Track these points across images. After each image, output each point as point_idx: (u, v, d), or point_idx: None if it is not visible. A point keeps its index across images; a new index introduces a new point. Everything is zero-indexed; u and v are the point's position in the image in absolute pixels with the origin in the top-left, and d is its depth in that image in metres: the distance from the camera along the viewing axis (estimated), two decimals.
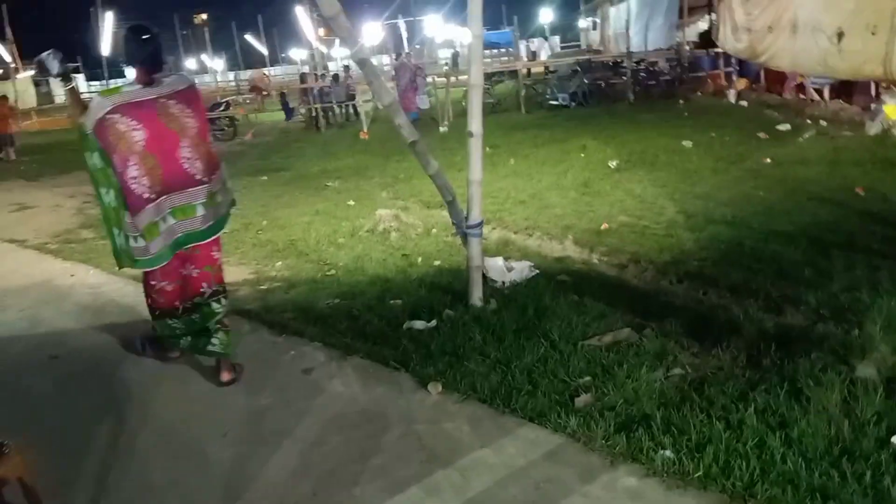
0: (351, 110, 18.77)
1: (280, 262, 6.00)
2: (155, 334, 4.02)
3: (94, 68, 47.42)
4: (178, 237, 3.57)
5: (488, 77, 17.61)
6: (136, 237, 3.51)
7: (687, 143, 9.63)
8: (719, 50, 16.02)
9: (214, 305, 3.77)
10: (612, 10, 27.71)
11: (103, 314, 4.99)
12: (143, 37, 3.50)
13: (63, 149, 18.21)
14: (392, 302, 4.68)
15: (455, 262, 5.46)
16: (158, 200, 3.47)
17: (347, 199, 8.53)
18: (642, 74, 16.66)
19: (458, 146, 12.21)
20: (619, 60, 17.32)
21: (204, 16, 64.54)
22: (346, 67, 20.44)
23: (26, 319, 5.07)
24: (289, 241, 6.66)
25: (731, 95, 14.78)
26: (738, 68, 15.89)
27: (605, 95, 16.75)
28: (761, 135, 9.92)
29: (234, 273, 5.78)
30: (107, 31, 24.14)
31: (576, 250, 5.69)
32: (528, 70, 18.48)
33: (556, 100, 16.42)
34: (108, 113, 3.36)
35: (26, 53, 35.12)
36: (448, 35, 38.47)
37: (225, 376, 3.75)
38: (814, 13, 11.22)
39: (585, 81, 16.27)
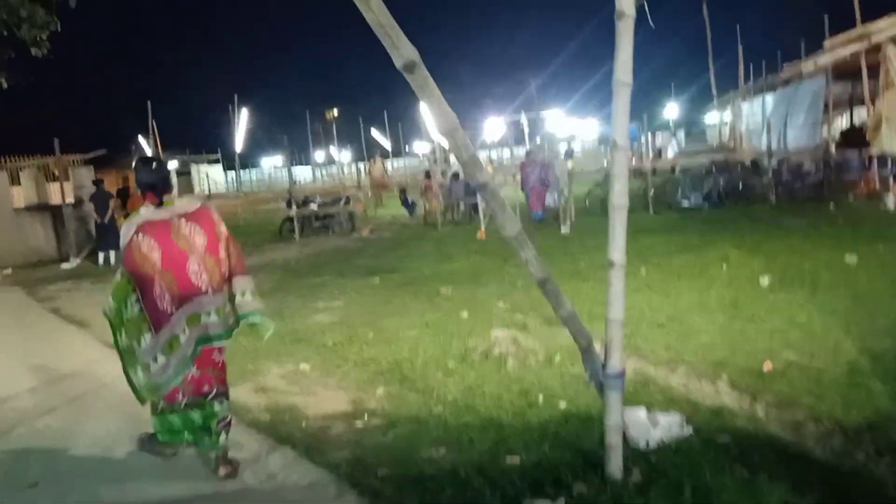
0: (470, 208, 18.42)
1: (382, 389, 5.31)
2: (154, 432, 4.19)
3: (231, 160, 50.80)
4: (194, 343, 3.88)
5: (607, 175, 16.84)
6: (156, 357, 3.82)
7: (851, 258, 8.36)
8: (872, 150, 14.55)
9: (216, 407, 4.06)
10: (746, 106, 26.52)
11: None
12: (153, 165, 4.12)
13: None
14: (508, 460, 3.84)
15: (584, 404, 4.57)
16: (178, 313, 3.84)
17: (460, 308, 7.84)
18: (786, 176, 15.36)
19: (580, 251, 11.44)
20: (756, 160, 16.14)
21: (334, 111, 68.26)
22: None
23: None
24: (394, 360, 5.99)
25: (890, 201, 13.24)
26: (894, 170, 14.34)
27: (741, 197, 15.52)
28: None
29: (330, 401, 5.14)
30: (242, 127, 25.45)
31: (734, 397, 4.66)
32: (654, 168, 17.60)
33: (689, 200, 15.36)
34: (134, 233, 3.84)
35: (168, 145, 38.01)
36: (568, 129, 38.38)
37: (222, 471, 3.99)
38: None
39: (721, 181, 15.17)
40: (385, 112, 38.00)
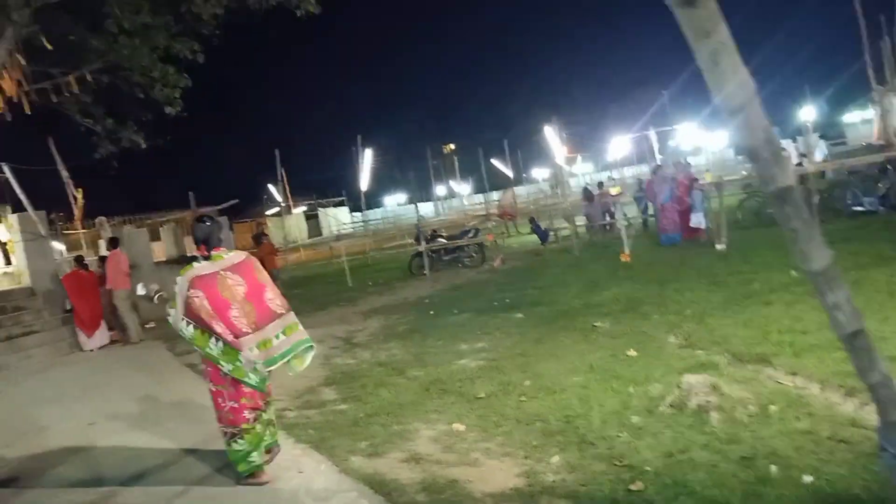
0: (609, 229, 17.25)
1: (557, 457, 4.36)
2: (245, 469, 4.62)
3: (356, 200, 51.81)
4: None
5: None
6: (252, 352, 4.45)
7: None
8: None
9: (270, 413, 4.83)
10: None
11: None
12: (205, 223, 4.74)
13: (322, 281, 18.76)
14: None
15: (837, 478, 3.44)
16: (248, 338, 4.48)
17: (625, 346, 6.77)
18: None
19: (747, 269, 10.09)
20: None
21: (451, 146, 68.68)
22: (601, 184, 19.18)
23: None
24: (563, 416, 5.04)
25: None
26: None
27: None
28: None
29: (498, 473, 4.25)
30: (366, 167, 25.52)
31: None
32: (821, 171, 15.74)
33: (862, 205, 13.50)
34: (189, 289, 4.43)
35: (295, 191, 39.08)
36: (695, 141, 36.19)
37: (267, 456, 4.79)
38: None
39: None
40: (505, 142, 37.40)
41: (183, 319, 4.43)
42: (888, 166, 13.74)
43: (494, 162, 38.89)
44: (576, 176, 45.89)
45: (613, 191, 17.91)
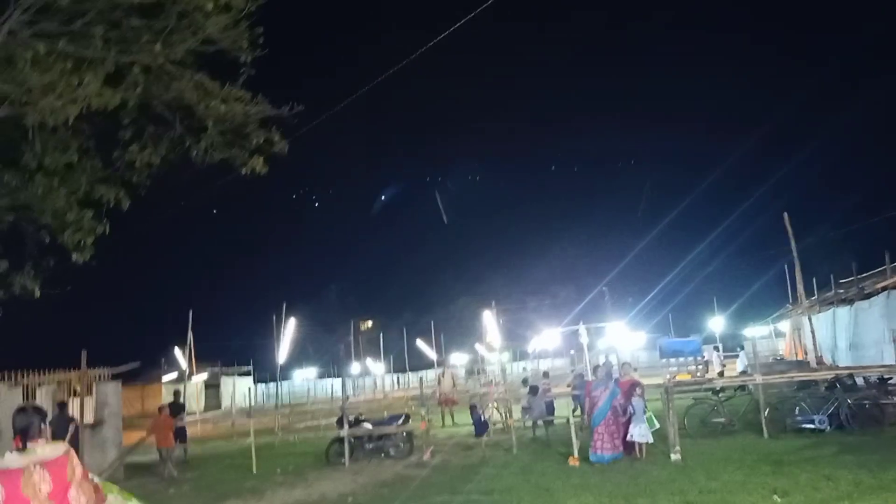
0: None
1: None
2: None
3: (264, 371, 49.04)
4: None
5: (716, 392, 14.63)
6: None
7: None
8: None
9: None
10: (819, 318, 24.72)
11: None
12: (24, 413, 4.52)
13: (221, 464, 16.54)
14: None
15: None
16: None
17: None
18: None
19: (717, 487, 9.19)
20: (885, 376, 13.90)
21: (370, 323, 67.70)
22: (546, 373, 18.36)
23: None
24: None
25: None
26: None
27: (871, 419, 13.16)
28: None
29: None
30: (287, 337, 23.97)
31: None
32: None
33: (812, 423, 13.01)
34: None
35: (201, 357, 36.49)
36: (612, 340, 36.50)
37: None
38: None
39: (849, 401, 12.91)
40: (431, 322, 36.66)
41: None
42: (836, 384, 13.49)
43: (419, 342, 37.91)
44: (492, 364, 45.43)
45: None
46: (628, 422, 12.15)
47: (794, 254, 20.27)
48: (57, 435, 13.47)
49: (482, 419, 16.91)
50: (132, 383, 37.41)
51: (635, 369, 13.60)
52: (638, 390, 12.36)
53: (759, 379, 13.42)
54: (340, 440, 14.63)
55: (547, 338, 25.93)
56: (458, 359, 46.32)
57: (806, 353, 28.12)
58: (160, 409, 16.44)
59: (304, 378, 60.35)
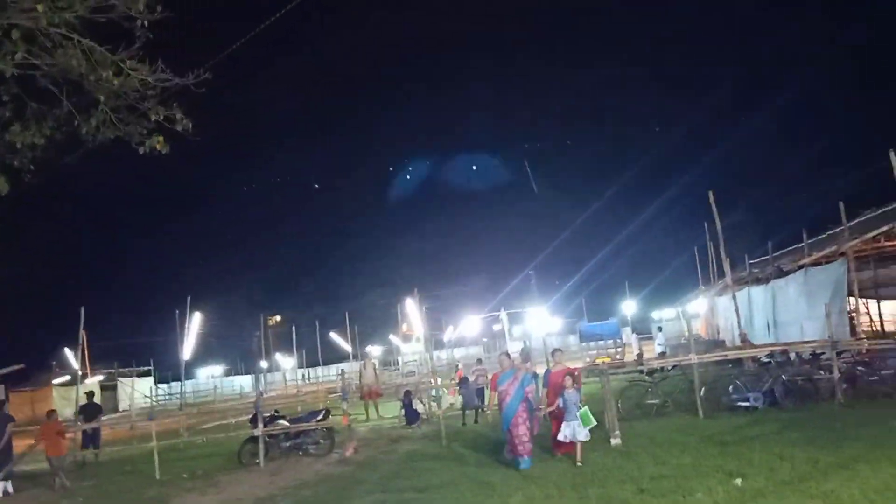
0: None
1: None
2: None
3: (166, 370, 46.27)
4: None
5: (651, 373, 14.27)
6: None
7: None
8: None
9: None
10: (736, 297, 25.12)
11: None
12: None
13: (121, 471, 14.89)
14: None
15: None
16: None
17: None
18: (859, 368, 13.06)
19: (669, 472, 8.68)
20: (818, 352, 13.88)
21: (278, 317, 65.49)
22: (479, 360, 17.62)
23: None
24: None
25: None
26: None
27: (804, 395, 13.06)
28: None
29: None
30: (192, 334, 22.27)
31: None
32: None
33: (747, 400, 12.77)
34: None
35: (97, 357, 33.87)
36: (529, 327, 36.30)
37: None
38: None
39: (783, 377, 12.75)
40: (346, 313, 35.36)
41: None
42: (771, 361, 13.33)
43: (333, 335, 36.54)
44: (402, 356, 44.66)
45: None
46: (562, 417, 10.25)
47: (720, 233, 20.30)
48: None
49: (414, 408, 16.01)
50: (20, 388, 34.25)
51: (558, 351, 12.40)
52: (568, 381, 10.28)
53: (694, 358, 13.09)
54: (254, 439, 13.36)
55: (467, 325, 25.31)
56: (373, 351, 45.21)
57: (719, 332, 28.70)
58: (48, 413, 14.64)
59: (210, 376, 57.54)
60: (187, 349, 22.67)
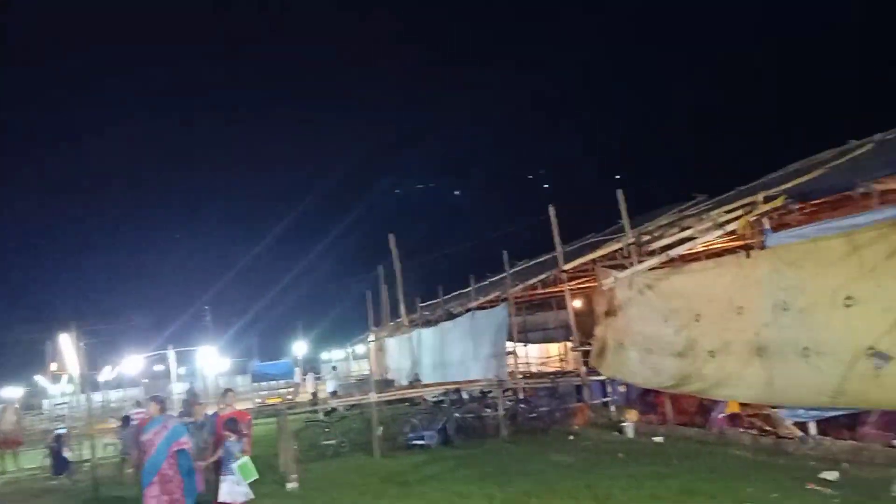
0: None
1: None
2: None
3: None
4: None
5: (328, 413, 13.75)
6: None
7: None
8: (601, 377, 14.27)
9: None
10: (396, 340, 26.10)
11: None
12: None
13: None
14: None
15: None
16: None
17: None
18: (521, 406, 14.03)
19: None
20: (484, 390, 14.63)
21: None
22: (139, 402, 15.65)
23: None
24: None
25: (629, 429, 12.56)
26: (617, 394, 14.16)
27: (473, 432, 13.71)
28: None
29: None
30: None
31: None
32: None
33: (422, 439, 12.95)
34: None
35: None
36: (199, 366, 33.64)
37: None
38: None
39: (456, 415, 13.21)
40: None
41: None
42: (444, 400, 13.75)
43: None
44: (49, 398, 38.79)
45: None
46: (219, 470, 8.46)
47: (398, 275, 20.81)
48: None
49: (64, 455, 13.75)
50: None
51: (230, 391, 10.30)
52: (227, 432, 8.55)
53: (374, 397, 12.94)
54: None
55: (129, 365, 22.51)
56: (13, 392, 38.15)
57: (387, 372, 29.49)
58: None
59: None
60: None
